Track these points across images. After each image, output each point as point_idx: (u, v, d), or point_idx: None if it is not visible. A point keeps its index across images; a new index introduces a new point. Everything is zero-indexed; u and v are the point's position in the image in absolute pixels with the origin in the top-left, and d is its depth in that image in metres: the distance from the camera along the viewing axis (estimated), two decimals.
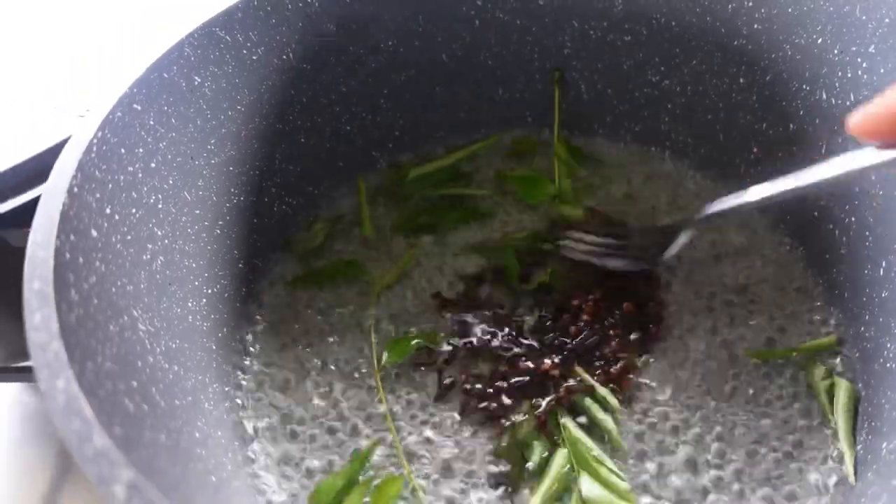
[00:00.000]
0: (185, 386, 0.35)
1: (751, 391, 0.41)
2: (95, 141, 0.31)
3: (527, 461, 0.38)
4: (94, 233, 0.31)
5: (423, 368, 0.43)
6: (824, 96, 0.41)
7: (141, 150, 0.35)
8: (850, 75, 0.39)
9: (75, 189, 0.30)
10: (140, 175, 0.35)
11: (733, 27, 0.43)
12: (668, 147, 0.50)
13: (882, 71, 0.37)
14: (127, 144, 0.34)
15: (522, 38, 0.48)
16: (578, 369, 0.41)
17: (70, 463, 0.47)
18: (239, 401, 0.42)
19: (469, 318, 0.44)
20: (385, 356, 0.43)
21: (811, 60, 0.41)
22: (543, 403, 0.40)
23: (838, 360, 0.41)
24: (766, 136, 0.45)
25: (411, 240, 0.48)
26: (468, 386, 0.41)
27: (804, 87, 0.42)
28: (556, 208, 0.49)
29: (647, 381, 0.41)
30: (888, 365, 0.37)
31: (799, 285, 0.45)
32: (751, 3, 0.42)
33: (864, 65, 0.38)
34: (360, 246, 0.48)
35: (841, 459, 0.38)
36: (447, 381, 0.42)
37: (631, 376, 0.41)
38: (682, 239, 0.42)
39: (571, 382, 0.41)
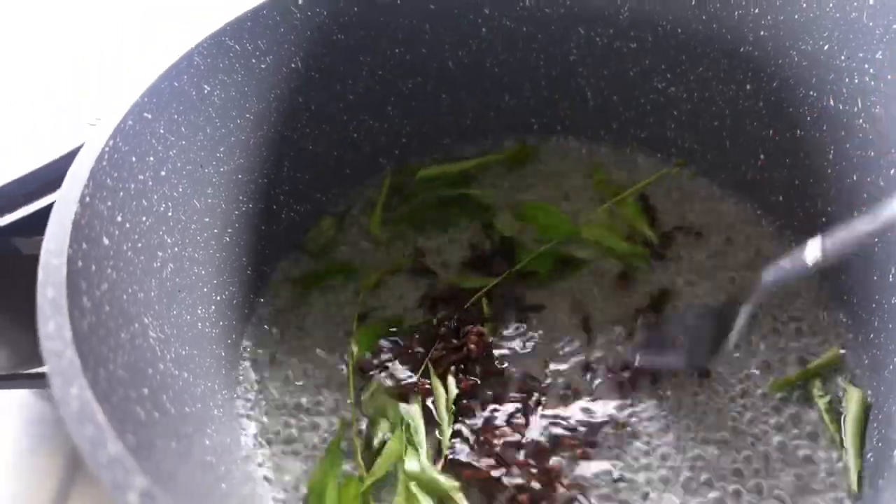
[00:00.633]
0: (194, 393, 0.35)
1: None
2: (107, 150, 0.31)
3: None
4: (106, 241, 0.31)
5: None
6: (831, 103, 0.41)
7: (151, 158, 0.35)
8: (857, 81, 0.39)
9: (87, 198, 0.30)
10: (150, 183, 0.35)
11: (740, 34, 0.43)
12: (674, 154, 0.50)
13: (889, 77, 0.37)
14: (138, 153, 0.34)
15: (529, 45, 0.48)
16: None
17: (77, 469, 0.47)
18: (247, 408, 0.42)
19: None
20: (355, 349, 0.43)
21: (818, 67, 0.41)
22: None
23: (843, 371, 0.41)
24: (773, 143, 0.45)
25: (417, 237, 0.49)
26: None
27: (811, 93, 0.42)
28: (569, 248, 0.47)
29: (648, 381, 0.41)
30: None
31: (806, 292, 0.44)
32: (757, 10, 0.42)
33: (872, 71, 0.38)
34: (370, 243, 0.49)
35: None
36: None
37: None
38: (741, 320, 0.36)
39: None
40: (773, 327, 0.43)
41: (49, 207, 0.30)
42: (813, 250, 0.32)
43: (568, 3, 0.46)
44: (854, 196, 0.40)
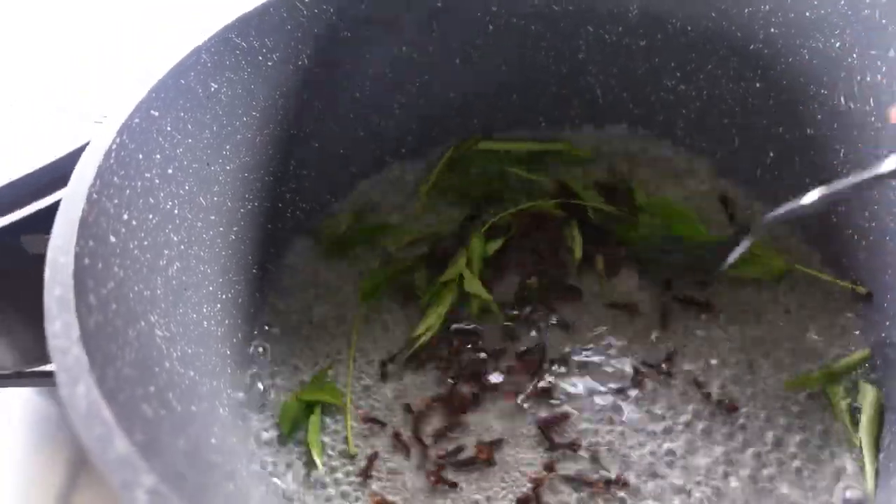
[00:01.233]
0: (200, 391, 0.35)
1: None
2: (114, 147, 0.31)
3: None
4: (113, 238, 0.31)
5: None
6: (842, 101, 0.40)
7: (158, 156, 0.35)
8: (868, 80, 0.38)
9: (94, 195, 0.30)
10: (157, 181, 0.35)
11: (749, 31, 0.43)
12: (683, 152, 0.50)
13: None
14: (145, 150, 0.34)
15: (537, 43, 0.48)
16: None
17: (81, 468, 0.47)
18: (252, 406, 0.42)
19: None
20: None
21: (829, 65, 0.40)
22: None
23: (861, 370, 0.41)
24: (783, 141, 0.45)
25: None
26: None
27: (822, 91, 0.41)
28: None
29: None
30: None
31: (815, 292, 0.44)
32: (767, 7, 0.42)
33: (884, 69, 0.37)
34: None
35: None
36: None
37: None
38: (741, 248, 0.41)
39: None
40: (790, 322, 0.43)
41: (53, 206, 0.30)
42: (810, 196, 0.36)
43: (576, 1, 0.46)
44: (866, 193, 0.40)
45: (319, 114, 0.45)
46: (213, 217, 0.40)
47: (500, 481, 0.39)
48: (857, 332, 0.42)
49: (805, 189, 0.44)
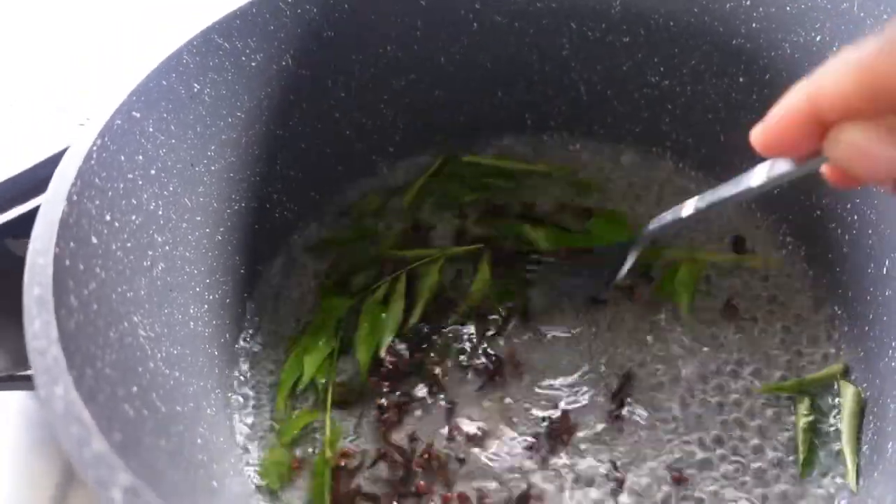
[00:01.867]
0: (186, 391, 0.35)
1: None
2: (95, 149, 0.31)
3: None
4: (94, 239, 0.31)
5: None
6: None
7: (140, 157, 0.35)
8: None
9: (75, 196, 0.30)
10: (140, 182, 0.35)
11: (732, 26, 0.43)
12: (668, 148, 0.50)
13: None
14: (126, 152, 0.34)
15: (521, 40, 0.48)
16: None
17: (75, 471, 0.47)
18: (240, 406, 0.42)
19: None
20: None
21: (811, 58, 0.40)
22: None
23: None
24: None
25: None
26: None
27: None
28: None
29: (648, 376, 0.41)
30: (893, 364, 0.37)
31: (800, 285, 0.44)
32: (748, 2, 0.42)
33: None
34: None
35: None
36: None
37: None
38: (629, 262, 0.42)
39: None
40: (767, 318, 0.43)
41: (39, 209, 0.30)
42: (688, 206, 0.36)
43: None
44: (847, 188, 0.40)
45: (305, 114, 0.45)
46: (198, 218, 0.40)
47: None
48: (836, 325, 0.42)
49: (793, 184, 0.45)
